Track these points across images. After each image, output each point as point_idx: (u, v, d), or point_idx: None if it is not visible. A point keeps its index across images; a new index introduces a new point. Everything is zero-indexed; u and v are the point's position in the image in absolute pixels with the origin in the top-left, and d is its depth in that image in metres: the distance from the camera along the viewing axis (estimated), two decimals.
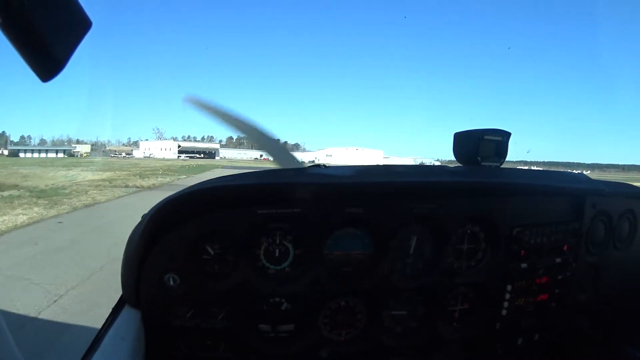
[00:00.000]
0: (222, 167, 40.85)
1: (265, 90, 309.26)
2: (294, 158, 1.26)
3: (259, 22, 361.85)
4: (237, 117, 1.34)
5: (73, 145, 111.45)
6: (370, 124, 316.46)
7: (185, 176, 22.13)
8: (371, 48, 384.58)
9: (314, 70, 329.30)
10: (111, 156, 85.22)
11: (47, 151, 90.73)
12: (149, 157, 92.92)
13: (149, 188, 14.65)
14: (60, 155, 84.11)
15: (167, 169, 30.95)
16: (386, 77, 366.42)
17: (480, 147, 1.15)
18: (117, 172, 23.68)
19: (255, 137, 1.23)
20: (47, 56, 0.41)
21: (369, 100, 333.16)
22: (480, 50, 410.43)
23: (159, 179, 18.78)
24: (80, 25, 0.45)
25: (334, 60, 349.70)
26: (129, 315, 0.86)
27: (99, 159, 63.47)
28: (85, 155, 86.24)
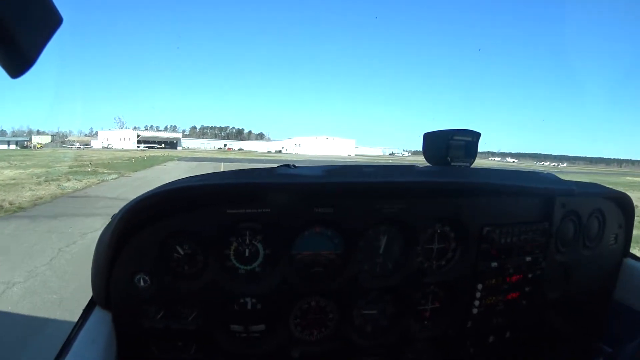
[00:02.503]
0: (177, 160, 37.44)
1: (228, 78, 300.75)
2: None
3: (222, 11, 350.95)
4: None
5: (34, 136, 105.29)
6: (341, 115, 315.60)
7: (116, 176, 18.61)
8: (340, 40, 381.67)
9: (279, 58, 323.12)
10: (65, 147, 79.22)
11: None
12: (107, 147, 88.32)
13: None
14: (12, 147, 77.65)
15: (107, 163, 26.93)
16: (356, 69, 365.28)
17: (450, 147, 1.13)
18: (30, 169, 19.68)
19: None
20: (17, 52, 0.39)
21: (339, 90, 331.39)
22: (450, 49, 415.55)
23: (68, 184, 14.38)
24: (51, 21, 0.43)
25: (302, 51, 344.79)
26: (100, 316, 0.85)
27: (49, 150, 58.28)
28: (39, 146, 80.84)
